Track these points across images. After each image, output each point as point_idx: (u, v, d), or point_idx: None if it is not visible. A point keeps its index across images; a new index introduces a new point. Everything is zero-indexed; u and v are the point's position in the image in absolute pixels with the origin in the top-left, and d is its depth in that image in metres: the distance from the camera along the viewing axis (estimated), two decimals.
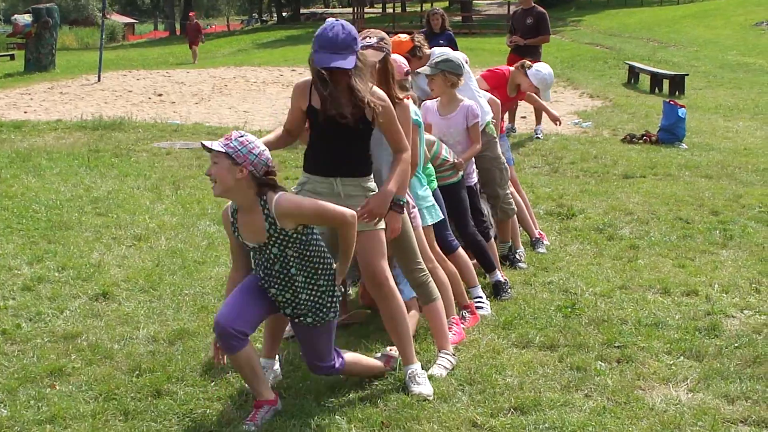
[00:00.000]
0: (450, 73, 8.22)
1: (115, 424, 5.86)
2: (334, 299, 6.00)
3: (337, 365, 6.18)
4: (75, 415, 5.96)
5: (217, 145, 5.60)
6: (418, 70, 8.54)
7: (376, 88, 6.23)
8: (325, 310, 5.96)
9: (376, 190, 6.32)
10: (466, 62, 8.87)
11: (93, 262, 9.18)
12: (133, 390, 6.34)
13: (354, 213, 5.85)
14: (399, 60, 7.39)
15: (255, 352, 5.94)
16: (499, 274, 8.61)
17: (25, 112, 21.42)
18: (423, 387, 6.31)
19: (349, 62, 6.00)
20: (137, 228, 10.60)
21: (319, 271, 5.91)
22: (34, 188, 12.53)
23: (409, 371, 6.43)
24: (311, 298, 5.92)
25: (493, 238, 9.07)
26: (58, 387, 6.39)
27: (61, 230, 10.43)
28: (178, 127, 18.52)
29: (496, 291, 8.48)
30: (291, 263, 5.83)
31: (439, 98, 8.45)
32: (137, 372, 6.63)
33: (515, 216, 9.83)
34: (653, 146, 17.07)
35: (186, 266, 9.13)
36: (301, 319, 5.97)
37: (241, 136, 5.65)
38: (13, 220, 10.76)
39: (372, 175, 6.40)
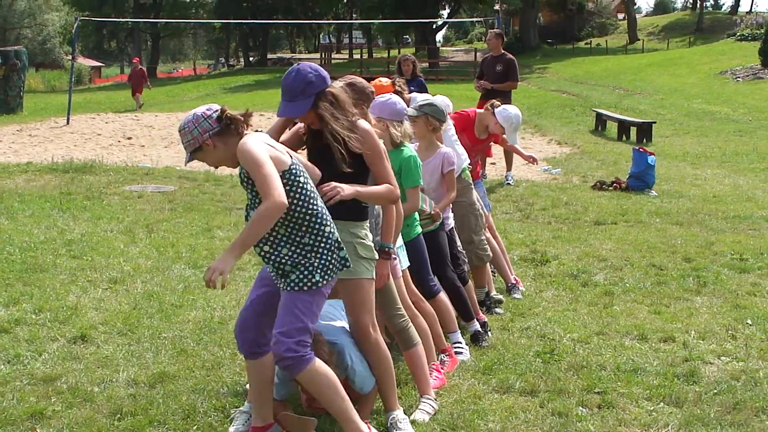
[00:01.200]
0: (433, 117, 8.27)
1: None
2: (327, 264, 5.79)
3: (305, 355, 5.74)
4: None
5: (186, 156, 5.68)
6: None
7: (361, 121, 6.23)
8: (311, 269, 5.73)
9: (366, 239, 6.30)
10: (448, 107, 8.95)
11: (70, 305, 9.13)
12: None
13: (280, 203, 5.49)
14: (399, 103, 7.40)
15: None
16: (477, 324, 8.60)
17: None
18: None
19: (299, 108, 6.01)
20: (112, 271, 10.56)
21: (304, 228, 5.74)
22: (7, 230, 12.47)
23: (391, 417, 6.43)
24: (293, 254, 5.75)
25: (471, 283, 9.09)
26: (39, 430, 6.34)
27: (37, 272, 10.38)
28: (150, 171, 18.51)
29: (474, 339, 8.47)
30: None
31: (419, 143, 8.48)
32: (118, 415, 6.59)
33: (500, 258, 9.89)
34: (623, 193, 17.21)
35: (163, 309, 9.10)
36: (285, 279, 5.79)
37: (183, 128, 5.64)
38: None
39: (365, 221, 6.39)
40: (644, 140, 24.92)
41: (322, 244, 5.78)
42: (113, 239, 12.27)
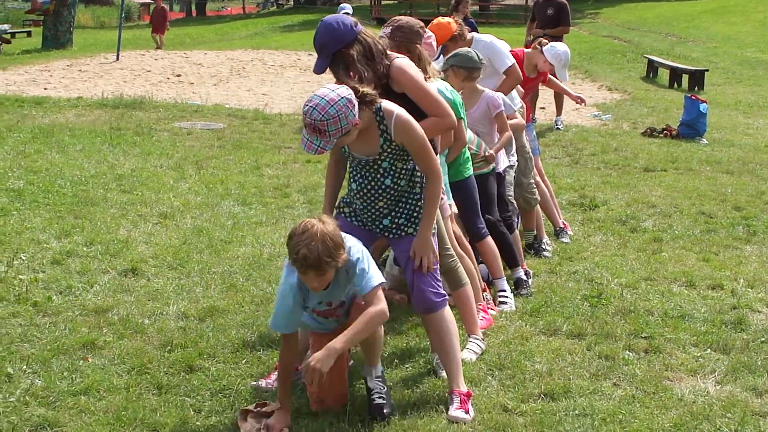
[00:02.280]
0: (458, 67, 8.15)
1: (148, 398, 5.91)
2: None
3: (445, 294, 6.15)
4: (109, 387, 6.01)
5: (328, 142, 5.60)
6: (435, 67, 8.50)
7: (396, 60, 6.27)
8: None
9: None
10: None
11: (120, 238, 9.22)
12: (166, 365, 6.39)
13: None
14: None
15: None
16: (522, 272, 8.59)
17: (45, 89, 21.41)
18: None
19: (319, 66, 6.15)
20: (162, 206, 10.64)
21: (416, 179, 6.01)
22: (58, 164, 12.56)
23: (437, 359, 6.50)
24: (410, 206, 6.02)
25: (518, 230, 9.06)
26: (90, 359, 6.44)
27: (87, 206, 10.47)
28: (199, 108, 18.53)
29: (516, 286, 8.45)
30: (401, 175, 5.95)
31: (461, 94, 8.40)
32: (169, 347, 6.68)
33: (539, 206, 9.85)
34: (674, 140, 17.04)
35: (213, 245, 9.17)
36: (401, 231, 6.04)
37: (329, 117, 5.52)
38: (39, 194, 10.79)
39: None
40: (696, 88, 24.60)
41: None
42: (163, 175, 12.34)
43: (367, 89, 5.71)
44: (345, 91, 5.57)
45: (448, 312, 6.14)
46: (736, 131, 18.59)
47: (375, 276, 5.59)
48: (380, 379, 5.90)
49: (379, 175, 5.94)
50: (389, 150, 5.85)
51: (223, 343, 6.78)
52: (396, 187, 5.96)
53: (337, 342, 5.40)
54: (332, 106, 5.48)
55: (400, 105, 5.89)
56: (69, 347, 6.60)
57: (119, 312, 7.32)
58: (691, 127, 17.42)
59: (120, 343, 6.74)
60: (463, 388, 6.04)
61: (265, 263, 8.58)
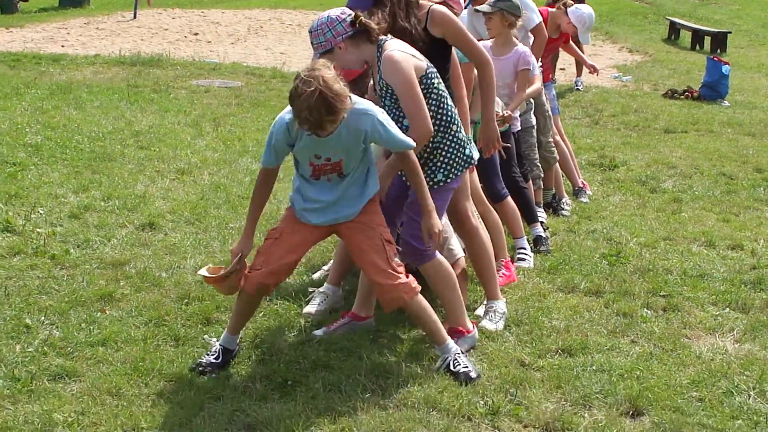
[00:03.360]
0: (509, 12, 8.10)
1: (166, 349, 5.92)
2: (451, 163, 6.02)
3: (427, 250, 6.01)
4: (126, 338, 6.02)
5: (314, 55, 5.69)
6: (478, 8, 8.42)
7: (435, 7, 6.31)
8: (434, 169, 5.99)
9: None
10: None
11: (138, 193, 9.21)
12: (183, 317, 6.40)
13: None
14: None
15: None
16: (540, 228, 8.55)
17: (63, 46, 21.34)
18: (493, 324, 6.39)
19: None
20: (180, 162, 10.62)
21: (435, 128, 5.90)
22: (75, 120, 12.54)
23: (490, 306, 6.54)
24: (421, 153, 5.91)
25: (533, 185, 9.00)
26: (108, 311, 6.45)
27: (105, 161, 10.46)
28: (216, 66, 18.47)
29: (535, 243, 8.41)
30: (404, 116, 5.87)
31: (494, 39, 8.35)
32: (186, 300, 6.69)
33: (558, 165, 9.81)
34: (695, 102, 16.91)
35: (230, 201, 9.16)
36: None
37: (316, 29, 5.73)
38: (57, 149, 10.79)
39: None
40: (718, 50, 24.37)
41: (447, 143, 5.98)
42: (180, 131, 12.32)
43: (368, 21, 5.74)
44: (335, 12, 5.74)
45: (438, 262, 6.08)
46: (759, 93, 18.45)
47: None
48: (453, 353, 5.83)
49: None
50: (386, 88, 5.84)
51: None
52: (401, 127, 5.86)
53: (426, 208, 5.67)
54: (319, 20, 5.74)
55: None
56: (86, 299, 6.61)
57: (136, 265, 7.32)
58: (713, 89, 17.29)
59: (137, 295, 6.75)
60: (468, 326, 6.19)
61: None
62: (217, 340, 5.88)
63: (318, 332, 6.29)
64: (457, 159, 6.01)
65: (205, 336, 6.09)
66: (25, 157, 10.35)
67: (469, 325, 6.17)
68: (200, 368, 5.70)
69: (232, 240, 7.97)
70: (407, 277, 5.66)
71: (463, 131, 6.10)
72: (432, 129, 5.81)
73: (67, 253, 7.49)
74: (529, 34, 9.53)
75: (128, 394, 5.31)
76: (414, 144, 5.63)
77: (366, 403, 5.31)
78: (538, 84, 8.78)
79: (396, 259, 5.65)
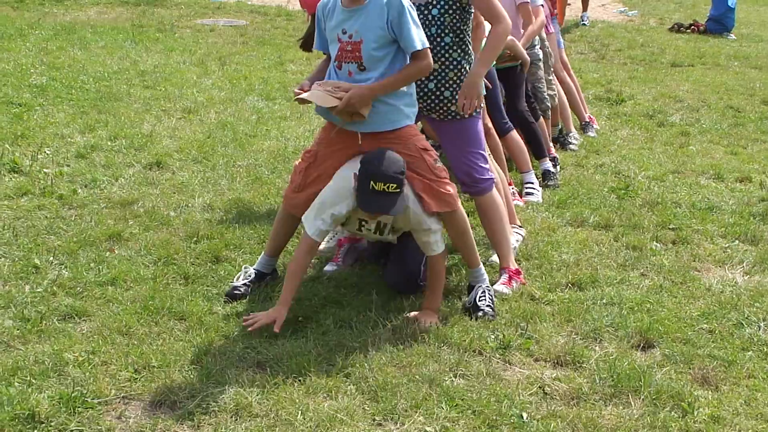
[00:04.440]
0: None
1: (175, 288, 5.91)
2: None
3: (492, 178, 6.09)
4: (135, 277, 6.01)
5: None
6: None
7: None
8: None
9: None
10: None
11: (144, 133, 9.17)
12: (192, 255, 6.38)
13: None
14: None
15: None
16: (548, 163, 8.51)
17: None
18: (507, 289, 6.16)
19: None
20: (186, 101, 10.57)
21: (469, 50, 5.88)
22: (80, 60, 12.47)
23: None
24: (457, 80, 5.86)
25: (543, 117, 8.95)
26: (117, 251, 6.44)
27: (111, 101, 10.41)
28: (221, 5, 18.36)
29: (544, 177, 8.38)
30: (447, 30, 5.79)
31: None
32: (195, 238, 6.67)
33: (565, 100, 9.75)
34: (701, 36, 16.84)
35: (237, 139, 9.12)
36: (444, 107, 5.88)
37: None
38: (62, 90, 10.73)
39: None
40: None
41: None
42: (186, 71, 12.26)
43: None
44: None
45: (496, 194, 6.12)
46: (765, 27, 18.36)
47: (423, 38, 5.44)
48: (486, 284, 5.85)
49: (429, 26, 5.76)
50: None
51: (249, 234, 6.77)
52: (443, 45, 5.80)
53: (375, 86, 5.38)
54: None
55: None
56: (95, 239, 6.60)
57: (145, 204, 7.30)
58: (719, 23, 17.20)
59: (146, 234, 6.73)
60: (513, 265, 6.13)
61: (290, 156, 8.53)
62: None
63: (328, 268, 6.29)
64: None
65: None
66: (30, 97, 10.30)
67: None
68: (234, 291, 5.83)
69: (240, 178, 7.97)
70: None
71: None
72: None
73: (75, 193, 7.47)
74: None
75: (138, 333, 5.30)
76: (423, 47, 5.42)
77: (377, 339, 5.31)
78: (542, 16, 8.68)
79: (438, 164, 5.60)
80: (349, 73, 5.45)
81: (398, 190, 5.30)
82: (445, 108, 5.89)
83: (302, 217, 5.56)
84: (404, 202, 5.38)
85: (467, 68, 5.85)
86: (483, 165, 6.03)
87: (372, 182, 5.26)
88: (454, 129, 5.96)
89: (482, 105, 6.19)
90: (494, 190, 6.13)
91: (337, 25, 5.44)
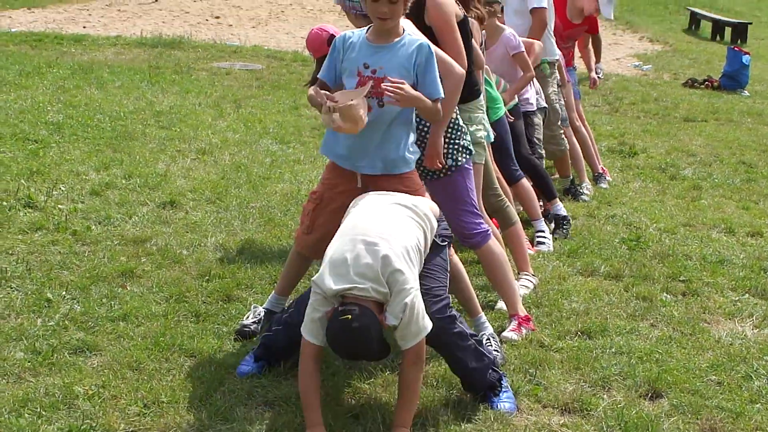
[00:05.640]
0: (486, 1, 7.63)
1: (186, 325, 5.94)
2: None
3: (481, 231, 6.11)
4: (147, 314, 6.05)
5: None
6: None
7: None
8: (459, 149, 5.95)
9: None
10: None
11: (159, 172, 9.23)
12: (204, 294, 6.42)
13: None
14: None
15: None
16: (560, 206, 8.54)
17: (84, 27, 21.36)
18: (516, 335, 6.14)
19: None
20: (200, 142, 10.64)
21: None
22: (97, 99, 12.57)
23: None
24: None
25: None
26: (129, 287, 6.48)
27: (126, 140, 10.48)
28: (238, 49, 18.49)
29: (556, 223, 8.40)
30: None
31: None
32: (207, 277, 6.71)
33: (579, 151, 9.80)
34: (715, 92, 16.90)
35: (251, 181, 9.18)
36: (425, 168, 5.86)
37: None
38: (78, 128, 10.81)
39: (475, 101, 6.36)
40: (739, 41, 24.29)
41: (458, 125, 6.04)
42: (201, 112, 12.34)
43: None
44: None
45: (493, 244, 6.14)
46: None
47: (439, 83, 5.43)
48: (489, 332, 5.84)
49: None
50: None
51: (260, 274, 6.81)
52: None
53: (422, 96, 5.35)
54: None
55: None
56: (108, 275, 6.64)
57: (158, 242, 7.35)
58: (733, 79, 17.28)
59: (158, 272, 6.77)
60: (522, 312, 6.15)
61: (302, 199, 8.55)
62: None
63: None
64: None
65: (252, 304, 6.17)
66: (46, 134, 10.38)
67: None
68: (244, 329, 5.85)
69: (253, 219, 8.02)
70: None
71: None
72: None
73: (89, 230, 7.52)
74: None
75: (149, 369, 5.33)
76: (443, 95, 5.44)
77: (386, 381, 5.34)
78: (532, 72, 8.59)
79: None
80: (368, 107, 5.48)
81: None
82: (422, 167, 5.90)
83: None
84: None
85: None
86: (473, 220, 6.07)
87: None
88: (439, 186, 6.01)
89: (471, 155, 6.17)
90: (491, 240, 6.16)
91: (360, 59, 5.45)
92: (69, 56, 16.33)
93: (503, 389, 5.21)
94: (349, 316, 4.55)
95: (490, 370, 5.19)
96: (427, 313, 4.83)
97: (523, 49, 8.34)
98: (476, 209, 6.11)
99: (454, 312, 5.19)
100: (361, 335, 4.56)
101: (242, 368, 5.38)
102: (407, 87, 5.20)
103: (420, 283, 4.87)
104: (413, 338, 4.72)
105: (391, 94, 5.16)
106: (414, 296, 4.65)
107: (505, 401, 5.16)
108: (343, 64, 5.50)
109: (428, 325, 4.76)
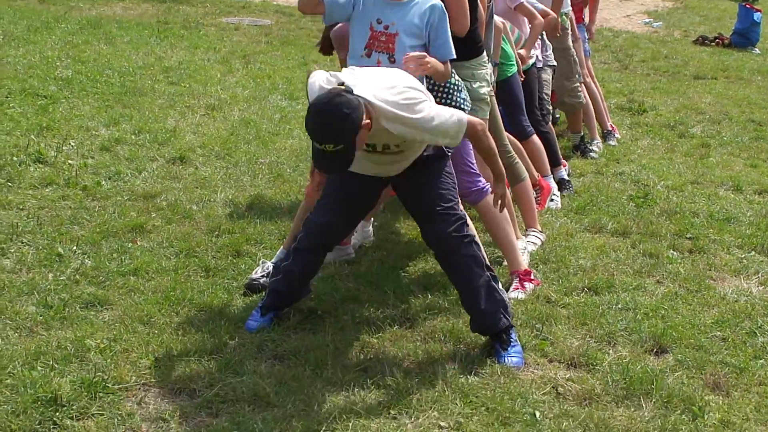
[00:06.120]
0: None
1: (196, 280, 5.99)
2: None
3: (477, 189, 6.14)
4: (157, 269, 6.09)
5: None
6: None
7: None
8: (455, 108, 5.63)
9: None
10: None
11: (168, 128, 9.26)
12: (213, 249, 6.46)
13: None
14: None
15: None
16: (564, 171, 8.53)
17: None
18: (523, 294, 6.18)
19: None
20: (210, 98, 10.66)
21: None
22: (105, 55, 12.57)
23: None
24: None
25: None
26: (139, 242, 6.52)
27: (135, 96, 10.50)
28: (246, 4, 18.46)
29: (559, 186, 8.37)
30: None
31: None
32: (216, 232, 6.75)
33: (591, 107, 9.80)
34: (725, 49, 16.87)
35: (260, 136, 9.20)
36: None
37: None
38: (88, 83, 10.83)
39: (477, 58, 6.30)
40: None
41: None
42: (210, 68, 12.35)
43: None
44: None
45: (488, 202, 6.11)
46: None
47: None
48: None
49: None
50: None
51: (269, 230, 6.85)
52: None
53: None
54: None
55: None
56: (118, 230, 6.68)
57: (167, 198, 7.39)
58: (744, 36, 17.22)
59: (168, 227, 6.81)
60: (521, 267, 6.18)
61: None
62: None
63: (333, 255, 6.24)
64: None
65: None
66: (55, 90, 10.40)
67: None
68: (253, 283, 5.89)
69: (262, 175, 8.05)
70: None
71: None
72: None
73: (99, 185, 7.55)
74: None
75: (159, 323, 5.38)
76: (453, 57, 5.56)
77: (394, 336, 5.38)
78: (551, 16, 8.52)
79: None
80: (378, 62, 5.51)
81: (341, 148, 4.72)
82: None
83: None
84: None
85: None
86: (468, 179, 6.08)
87: (313, 141, 4.83)
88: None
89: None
90: (488, 196, 6.09)
91: (372, 13, 5.49)
92: (77, 11, 16.29)
93: (512, 343, 5.24)
94: (343, 88, 4.73)
95: (501, 316, 5.22)
96: (442, 230, 5.09)
97: (522, 1, 8.16)
98: (472, 167, 6.12)
99: (470, 232, 5.24)
100: (339, 107, 4.65)
101: (250, 324, 5.42)
102: (430, 59, 5.28)
103: (431, 192, 5.13)
104: (449, 128, 4.92)
105: (417, 68, 5.22)
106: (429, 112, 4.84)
107: (513, 356, 5.19)
108: (354, 16, 5.56)
109: (459, 114, 4.97)
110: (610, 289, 6.19)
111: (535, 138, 8.05)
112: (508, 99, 7.65)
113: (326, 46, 6.80)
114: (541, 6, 8.41)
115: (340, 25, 6.42)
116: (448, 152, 5.35)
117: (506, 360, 5.15)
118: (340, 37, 6.37)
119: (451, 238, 5.12)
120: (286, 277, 5.44)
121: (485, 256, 5.32)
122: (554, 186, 8.15)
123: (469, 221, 5.35)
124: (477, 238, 5.32)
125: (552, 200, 8.00)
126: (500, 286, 5.32)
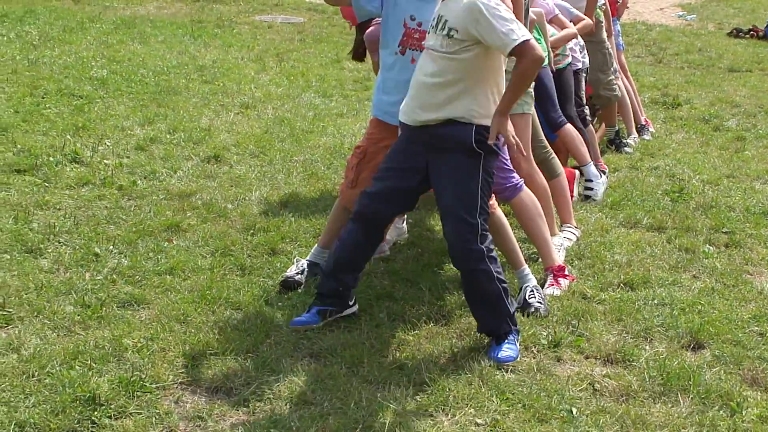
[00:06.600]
0: None
1: (232, 278, 6.01)
2: None
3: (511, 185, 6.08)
4: (193, 267, 6.12)
5: None
6: None
7: None
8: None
9: None
10: None
11: (203, 127, 9.31)
12: (249, 247, 6.49)
13: None
14: None
15: None
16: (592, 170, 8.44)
17: None
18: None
19: None
20: (244, 96, 10.70)
21: None
22: (140, 54, 12.65)
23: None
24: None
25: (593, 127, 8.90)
26: (175, 241, 6.55)
27: (170, 95, 10.56)
28: (279, 2, 18.50)
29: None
30: None
31: None
32: (251, 231, 6.78)
33: (628, 102, 9.76)
34: (760, 41, 16.74)
35: (294, 134, 9.23)
36: None
37: None
38: (122, 83, 10.89)
39: None
40: None
41: None
42: (244, 66, 12.40)
43: None
44: None
45: (525, 197, 6.12)
46: None
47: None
48: (533, 283, 5.88)
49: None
50: None
51: (305, 227, 6.87)
52: None
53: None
54: None
55: None
56: (154, 229, 6.72)
57: (203, 196, 7.42)
58: None
59: (204, 226, 6.85)
60: (555, 262, 6.18)
61: (346, 153, 8.61)
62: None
63: None
64: None
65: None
66: (91, 90, 10.47)
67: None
68: (288, 280, 5.91)
69: (296, 173, 8.09)
70: None
71: None
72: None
73: (134, 184, 7.60)
74: None
75: (196, 322, 5.40)
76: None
77: (429, 333, 5.39)
78: (585, 21, 8.51)
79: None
80: (412, 59, 5.50)
81: None
82: None
83: None
84: None
85: None
86: (502, 175, 5.94)
87: None
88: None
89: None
90: (522, 192, 6.11)
91: (408, 9, 5.51)
92: (111, 11, 16.39)
93: (508, 341, 5.21)
94: None
95: (504, 324, 5.22)
96: (452, 240, 5.10)
97: (557, 13, 8.10)
98: (506, 164, 6.05)
99: (482, 246, 5.11)
100: None
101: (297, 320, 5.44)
102: (504, 130, 5.01)
103: (451, 194, 5.09)
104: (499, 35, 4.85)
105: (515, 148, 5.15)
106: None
107: (505, 350, 5.16)
108: (386, 12, 5.57)
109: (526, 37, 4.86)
110: (646, 285, 6.17)
111: (569, 127, 7.97)
112: (540, 91, 7.60)
113: (359, 53, 6.83)
114: (575, 12, 8.40)
115: (372, 27, 6.42)
116: (496, 147, 5.18)
117: (498, 355, 5.12)
118: (374, 40, 6.36)
119: (460, 249, 5.12)
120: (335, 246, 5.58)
121: (500, 268, 5.24)
122: (593, 175, 8.03)
123: (487, 231, 5.17)
124: (493, 252, 5.20)
125: (591, 189, 7.93)
126: (509, 299, 5.29)
